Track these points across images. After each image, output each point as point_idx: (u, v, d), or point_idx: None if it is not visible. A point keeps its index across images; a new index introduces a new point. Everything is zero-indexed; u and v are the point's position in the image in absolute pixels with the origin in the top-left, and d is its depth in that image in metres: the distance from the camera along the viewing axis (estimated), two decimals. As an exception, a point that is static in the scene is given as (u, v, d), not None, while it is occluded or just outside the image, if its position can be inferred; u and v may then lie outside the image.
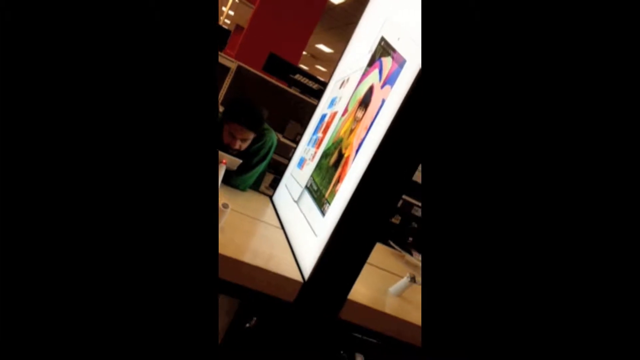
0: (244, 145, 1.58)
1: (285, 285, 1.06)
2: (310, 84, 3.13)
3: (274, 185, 2.86)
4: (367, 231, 1.03)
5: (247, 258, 1.05)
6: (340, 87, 1.48)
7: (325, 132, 1.43)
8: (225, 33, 2.95)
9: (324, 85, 3.28)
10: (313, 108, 3.35)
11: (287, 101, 3.14)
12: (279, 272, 1.05)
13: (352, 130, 1.21)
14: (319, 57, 12.32)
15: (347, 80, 1.43)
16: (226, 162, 1.50)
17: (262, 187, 1.95)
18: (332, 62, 12.57)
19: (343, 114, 1.33)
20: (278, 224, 1.44)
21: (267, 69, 3.05)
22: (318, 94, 3.20)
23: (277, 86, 3.13)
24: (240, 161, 1.52)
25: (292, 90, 3.14)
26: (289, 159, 1.73)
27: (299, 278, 1.07)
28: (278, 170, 2.73)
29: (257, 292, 1.06)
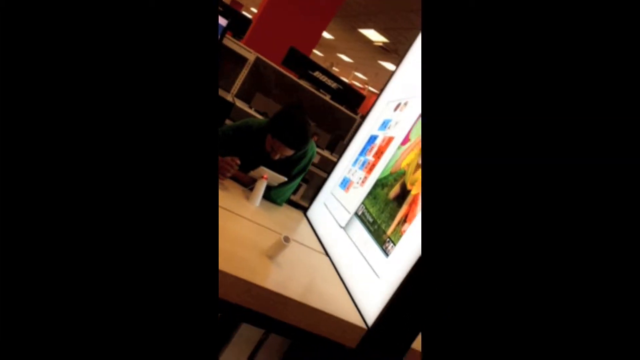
0: (283, 157, 1.50)
1: (346, 330, 1.00)
2: (329, 82, 3.03)
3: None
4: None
5: (303, 297, 0.98)
6: (395, 110, 1.40)
7: (378, 156, 1.36)
8: (247, 22, 2.80)
9: (342, 84, 3.18)
10: (327, 106, 3.27)
11: (303, 98, 3.04)
12: (339, 316, 0.99)
13: (418, 166, 1.14)
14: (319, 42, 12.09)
15: (405, 104, 1.36)
16: (267, 177, 1.42)
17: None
18: (330, 48, 12.37)
19: (403, 143, 1.26)
20: (321, 249, 1.37)
21: (286, 63, 2.93)
22: (335, 93, 3.10)
23: (294, 81, 3.01)
24: (284, 179, 1.44)
25: (306, 86, 3.03)
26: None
27: (360, 322, 1.01)
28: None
29: (314, 334, 1.00)
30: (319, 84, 3.03)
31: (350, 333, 1.00)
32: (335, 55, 12.74)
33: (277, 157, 1.47)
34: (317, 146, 2.95)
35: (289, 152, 1.45)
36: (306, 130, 1.43)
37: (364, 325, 1.00)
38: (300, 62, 2.99)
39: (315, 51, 14.16)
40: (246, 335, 1.05)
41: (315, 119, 3.04)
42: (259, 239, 1.18)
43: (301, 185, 2.87)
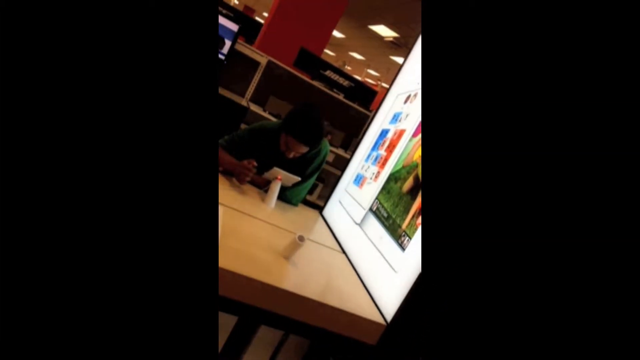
0: (298, 155, 1.50)
1: (366, 327, 0.99)
2: (341, 80, 3.02)
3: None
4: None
5: (321, 296, 0.98)
6: (406, 102, 1.39)
7: (390, 150, 1.34)
8: (258, 26, 2.82)
9: (354, 82, 3.17)
10: (340, 104, 3.26)
11: (315, 98, 3.04)
12: (357, 313, 0.98)
13: (431, 157, 1.12)
14: (329, 41, 12.06)
15: (415, 95, 1.34)
16: (281, 178, 1.42)
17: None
18: (341, 47, 12.34)
19: (415, 135, 1.24)
20: (337, 247, 1.37)
21: (298, 64, 2.93)
22: (347, 91, 3.09)
23: (305, 82, 3.02)
24: (298, 179, 1.44)
25: (319, 86, 3.03)
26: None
27: (379, 319, 1.00)
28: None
29: (334, 333, 0.99)
30: (331, 83, 3.02)
31: (369, 330, 0.99)
32: (347, 53, 12.71)
33: (291, 155, 1.47)
34: (332, 144, 2.94)
35: (303, 149, 1.45)
36: (320, 127, 1.44)
37: (383, 322, 0.99)
38: (312, 62, 2.99)
39: (327, 51, 14.14)
40: (266, 337, 1.05)
41: (329, 117, 3.03)
42: (275, 239, 1.18)
43: (317, 185, 2.87)
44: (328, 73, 2.99)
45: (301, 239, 1.03)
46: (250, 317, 1.02)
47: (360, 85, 3.12)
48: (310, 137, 1.42)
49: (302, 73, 3.05)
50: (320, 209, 1.70)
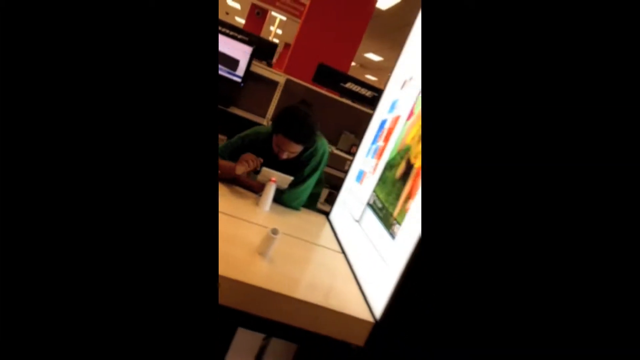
0: (292, 156, 1.43)
1: (353, 326, 0.87)
2: (363, 91, 2.96)
3: (330, 200, 2.69)
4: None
5: (305, 295, 0.88)
6: (402, 88, 1.29)
7: (387, 139, 1.24)
8: (272, 47, 2.86)
9: (377, 91, 3.09)
10: (367, 117, 3.19)
11: (339, 111, 2.99)
12: (344, 311, 0.87)
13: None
14: (368, 66, 12.14)
15: (410, 79, 1.24)
16: (275, 180, 1.36)
17: (319, 204, 1.79)
18: (382, 71, 12.35)
19: (408, 118, 1.14)
20: (338, 248, 1.26)
21: (317, 79, 2.92)
22: (372, 102, 3.01)
23: (327, 97, 2.99)
24: (291, 178, 1.37)
25: (343, 100, 2.99)
26: (345, 171, 1.57)
27: (369, 317, 0.88)
28: (334, 185, 2.57)
29: (320, 335, 0.88)
30: (353, 95, 2.97)
31: (357, 329, 0.87)
32: (388, 75, 12.68)
33: (285, 155, 1.41)
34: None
35: (295, 148, 1.38)
36: (308, 123, 1.36)
37: (371, 319, 0.87)
38: (330, 76, 2.97)
39: (368, 76, 14.21)
40: (244, 341, 0.96)
41: (353, 130, 2.96)
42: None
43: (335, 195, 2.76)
44: (349, 85, 2.94)
45: (275, 232, 0.94)
46: (226, 319, 0.94)
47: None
48: (299, 133, 1.35)
49: (323, 89, 3.02)
50: (327, 213, 1.60)
